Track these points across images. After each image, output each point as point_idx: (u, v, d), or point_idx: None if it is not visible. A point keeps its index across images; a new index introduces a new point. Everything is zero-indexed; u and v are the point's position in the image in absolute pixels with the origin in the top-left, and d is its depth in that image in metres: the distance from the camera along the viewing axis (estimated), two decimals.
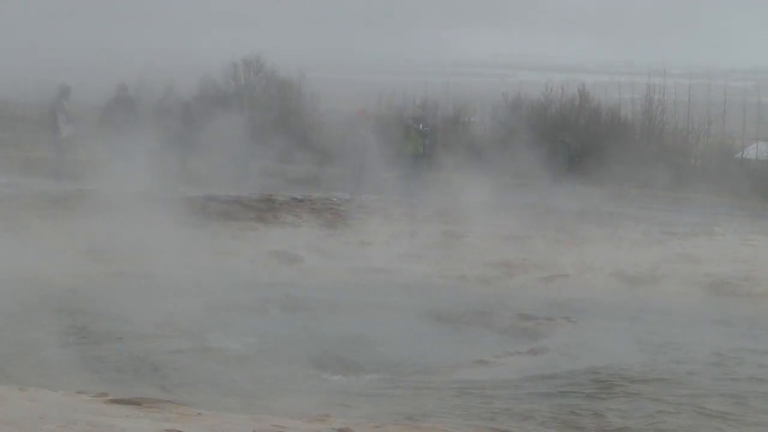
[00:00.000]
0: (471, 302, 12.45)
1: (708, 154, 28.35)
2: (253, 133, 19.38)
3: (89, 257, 12.80)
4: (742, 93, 29.57)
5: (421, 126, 22.24)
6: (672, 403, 7.92)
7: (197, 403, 6.85)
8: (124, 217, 13.24)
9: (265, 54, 27.51)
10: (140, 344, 9.32)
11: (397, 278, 13.45)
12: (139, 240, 12.93)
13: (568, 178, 21.63)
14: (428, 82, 30.64)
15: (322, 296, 12.18)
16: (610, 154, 23.39)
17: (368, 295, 12.44)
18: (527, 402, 7.89)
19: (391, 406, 7.70)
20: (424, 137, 22.12)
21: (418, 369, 9.09)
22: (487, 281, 13.97)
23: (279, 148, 20.43)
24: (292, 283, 12.68)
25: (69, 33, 21.59)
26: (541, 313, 11.86)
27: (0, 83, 21.89)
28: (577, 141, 24.76)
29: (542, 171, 21.49)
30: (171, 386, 8.04)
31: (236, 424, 5.71)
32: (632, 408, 7.77)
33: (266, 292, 12.06)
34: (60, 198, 15.18)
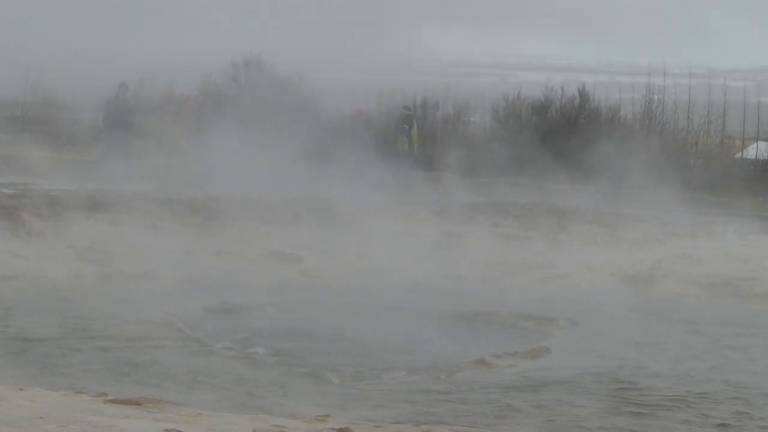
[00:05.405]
0: (471, 302, 12.46)
1: (708, 154, 28.33)
2: None
3: None
4: (742, 93, 29.53)
5: (405, 126, 22.31)
6: (672, 405, 7.94)
7: (197, 403, 6.86)
8: None
9: (265, 54, 27.46)
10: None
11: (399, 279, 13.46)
12: None
13: (565, 177, 21.61)
14: (428, 82, 30.59)
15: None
16: (610, 154, 23.36)
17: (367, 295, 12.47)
18: (527, 403, 7.89)
19: (390, 406, 7.70)
20: (409, 136, 22.17)
21: (418, 369, 9.08)
22: (487, 281, 13.97)
23: None
24: None
25: (68, 32, 21.58)
26: (541, 313, 11.86)
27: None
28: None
29: (541, 171, 21.52)
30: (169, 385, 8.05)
31: (236, 424, 5.70)
32: (630, 410, 7.78)
33: None
34: None
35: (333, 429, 5.72)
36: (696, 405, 7.92)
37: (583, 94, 29.01)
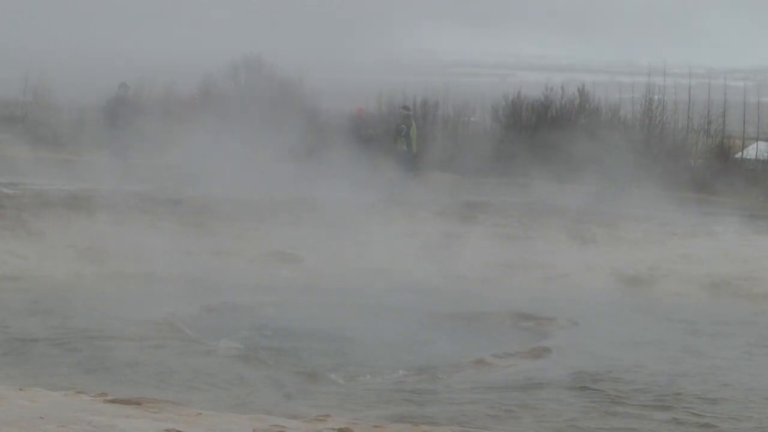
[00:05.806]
0: (471, 302, 12.46)
1: (708, 154, 28.35)
2: None
3: None
4: (742, 93, 29.57)
5: (404, 126, 22.31)
6: (671, 406, 7.94)
7: (197, 403, 6.86)
8: None
9: (265, 54, 27.47)
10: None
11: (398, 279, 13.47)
12: None
13: (565, 177, 21.62)
14: (428, 82, 30.61)
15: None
16: (610, 153, 23.35)
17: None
18: (526, 403, 7.90)
19: (390, 406, 7.70)
20: (407, 136, 22.17)
21: (418, 369, 9.08)
22: (487, 281, 13.97)
23: None
24: None
25: (68, 32, 21.59)
26: (541, 313, 11.86)
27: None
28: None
29: (541, 171, 21.52)
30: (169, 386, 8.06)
31: (236, 424, 5.71)
32: (628, 410, 7.78)
33: None
34: None
35: (333, 429, 5.72)
36: (695, 405, 7.93)
37: (583, 94, 29.04)
